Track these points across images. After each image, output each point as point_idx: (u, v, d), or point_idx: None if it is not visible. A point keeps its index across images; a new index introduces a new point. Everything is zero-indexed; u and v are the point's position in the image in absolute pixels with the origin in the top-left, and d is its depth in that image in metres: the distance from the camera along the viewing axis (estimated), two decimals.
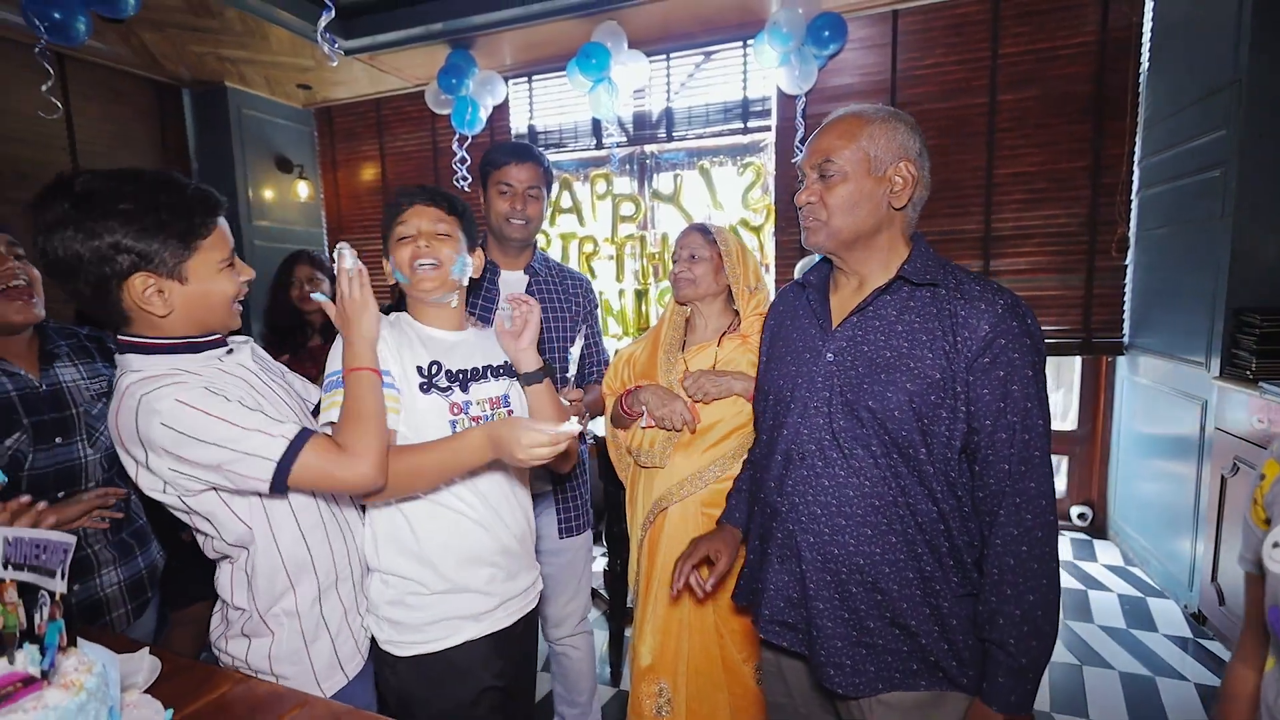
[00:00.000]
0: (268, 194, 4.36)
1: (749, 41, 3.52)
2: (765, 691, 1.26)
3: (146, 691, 0.82)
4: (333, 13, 2.11)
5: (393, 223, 1.16)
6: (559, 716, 1.87)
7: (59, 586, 0.62)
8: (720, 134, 3.81)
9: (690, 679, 1.48)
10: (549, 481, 1.69)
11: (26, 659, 0.65)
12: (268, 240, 4.33)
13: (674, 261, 1.56)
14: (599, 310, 1.80)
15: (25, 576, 0.65)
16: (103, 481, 1.36)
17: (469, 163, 3.88)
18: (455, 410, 1.13)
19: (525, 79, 4.12)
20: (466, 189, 3.98)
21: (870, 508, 0.98)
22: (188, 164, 4.20)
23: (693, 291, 1.53)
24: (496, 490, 1.17)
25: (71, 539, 0.63)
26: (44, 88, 2.55)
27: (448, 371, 1.14)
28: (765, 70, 3.48)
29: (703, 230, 1.56)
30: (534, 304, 1.21)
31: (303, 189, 4.55)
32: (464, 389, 1.15)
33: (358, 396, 1.00)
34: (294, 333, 2.30)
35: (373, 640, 1.13)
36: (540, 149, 4.10)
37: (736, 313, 1.56)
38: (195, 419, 0.87)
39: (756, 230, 3.71)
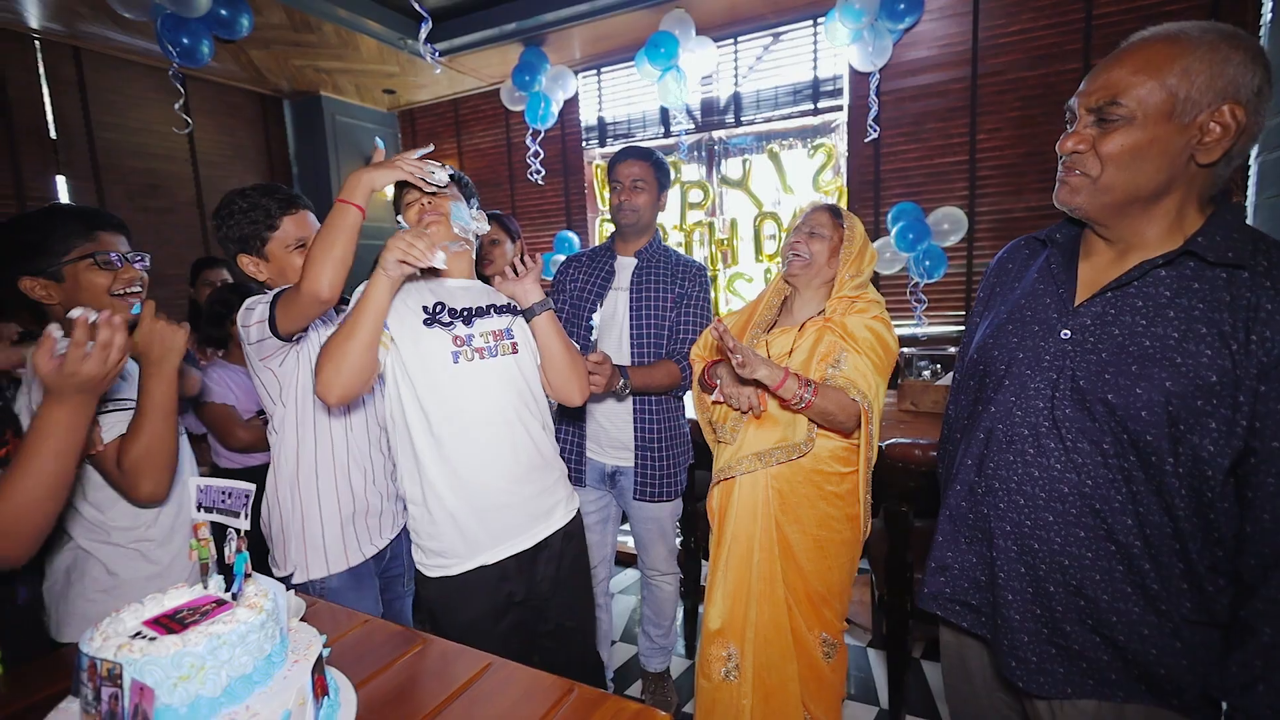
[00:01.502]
0: None
1: (819, 20, 3.45)
2: (944, 674, 1.20)
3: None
4: (430, 23, 2.24)
5: (402, 197, 1.34)
6: (645, 634, 2.05)
7: (243, 525, 0.75)
8: (789, 116, 3.76)
9: (758, 647, 1.50)
10: (631, 450, 1.83)
11: (217, 585, 0.79)
12: (363, 238, 4.63)
13: (793, 234, 1.55)
14: (707, 296, 1.87)
15: (214, 517, 0.78)
16: None
17: (542, 156, 4.01)
18: (458, 342, 1.23)
19: (594, 72, 4.21)
20: (540, 181, 4.12)
21: (1088, 509, 0.88)
22: (288, 169, 4.56)
23: (803, 270, 1.52)
24: (495, 438, 1.25)
25: (251, 486, 0.76)
26: (176, 106, 2.85)
27: (450, 309, 1.26)
28: (836, 49, 3.41)
29: (833, 210, 1.55)
30: (536, 261, 1.35)
31: (389, 188, 4.84)
32: (467, 324, 1.26)
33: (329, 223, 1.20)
34: None
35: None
36: (611, 140, 4.24)
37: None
38: None
39: None
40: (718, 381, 1.54)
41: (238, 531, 0.75)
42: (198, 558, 0.78)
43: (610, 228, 4.18)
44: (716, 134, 3.99)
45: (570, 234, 4.21)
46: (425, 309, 1.24)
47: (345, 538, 1.37)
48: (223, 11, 2.47)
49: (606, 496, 1.95)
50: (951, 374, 1.43)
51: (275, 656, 0.74)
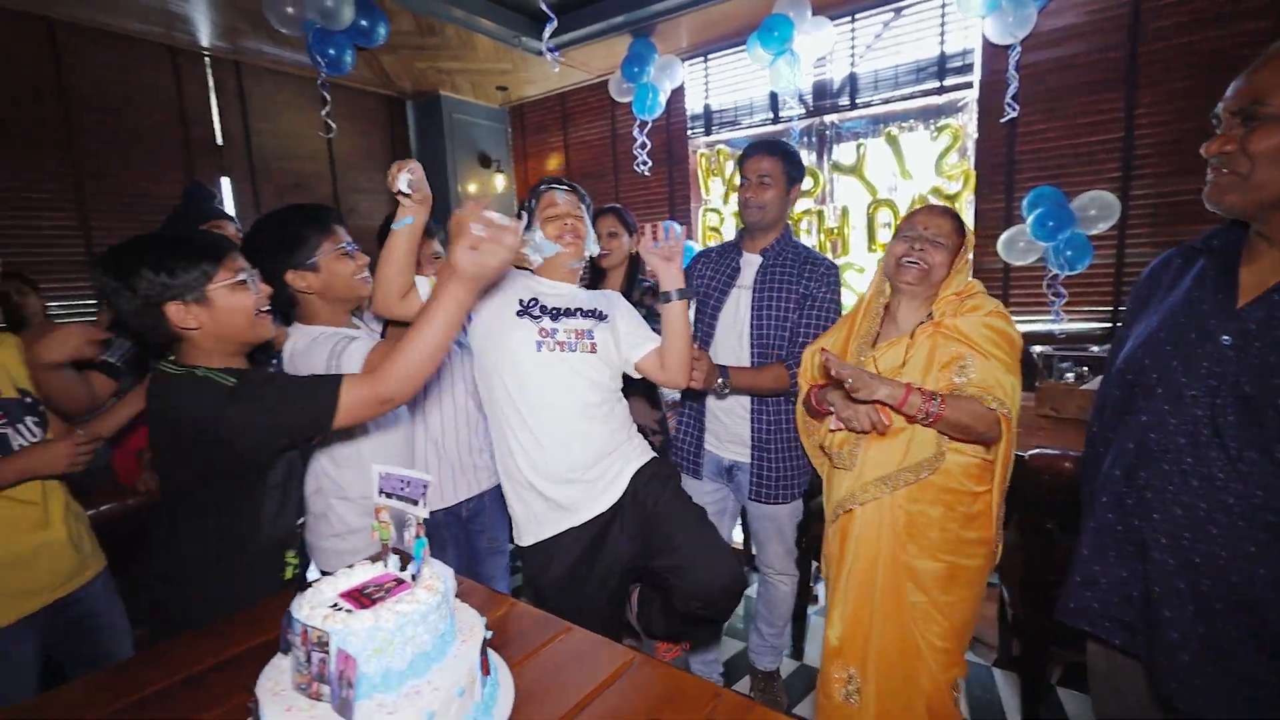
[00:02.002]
0: (472, 188, 4.91)
1: None
2: (1092, 693, 1.15)
3: None
4: (555, 23, 2.30)
5: (539, 202, 1.45)
6: (757, 631, 2.04)
7: (422, 513, 0.81)
8: (911, 96, 3.53)
9: (881, 673, 1.42)
10: (749, 447, 1.81)
11: (394, 564, 0.86)
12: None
13: (902, 239, 1.42)
14: (836, 297, 1.79)
15: (393, 503, 0.85)
16: None
17: (649, 147, 4.02)
18: (543, 333, 1.38)
19: (700, 59, 4.16)
20: (647, 172, 4.13)
21: (1261, 523, 0.84)
22: None
23: (921, 280, 1.39)
24: (567, 424, 1.39)
25: (429, 477, 0.82)
26: (324, 112, 3.11)
27: (542, 306, 1.41)
28: (968, 21, 3.15)
29: (954, 217, 1.43)
30: (681, 240, 1.42)
31: (499, 181, 5.06)
32: (554, 319, 1.40)
33: None
34: None
35: None
36: (717, 128, 4.18)
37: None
38: None
39: (952, 199, 3.40)
40: (830, 408, 1.43)
41: (416, 518, 0.81)
42: (379, 538, 0.85)
43: (713, 218, 4.18)
44: (828, 118, 3.83)
45: (677, 224, 4.20)
46: (520, 301, 1.39)
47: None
48: (363, 22, 2.66)
49: (724, 490, 1.94)
50: (1100, 379, 1.32)
51: (448, 635, 0.79)
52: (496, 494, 1.73)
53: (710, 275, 1.90)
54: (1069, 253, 2.86)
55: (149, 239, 1.09)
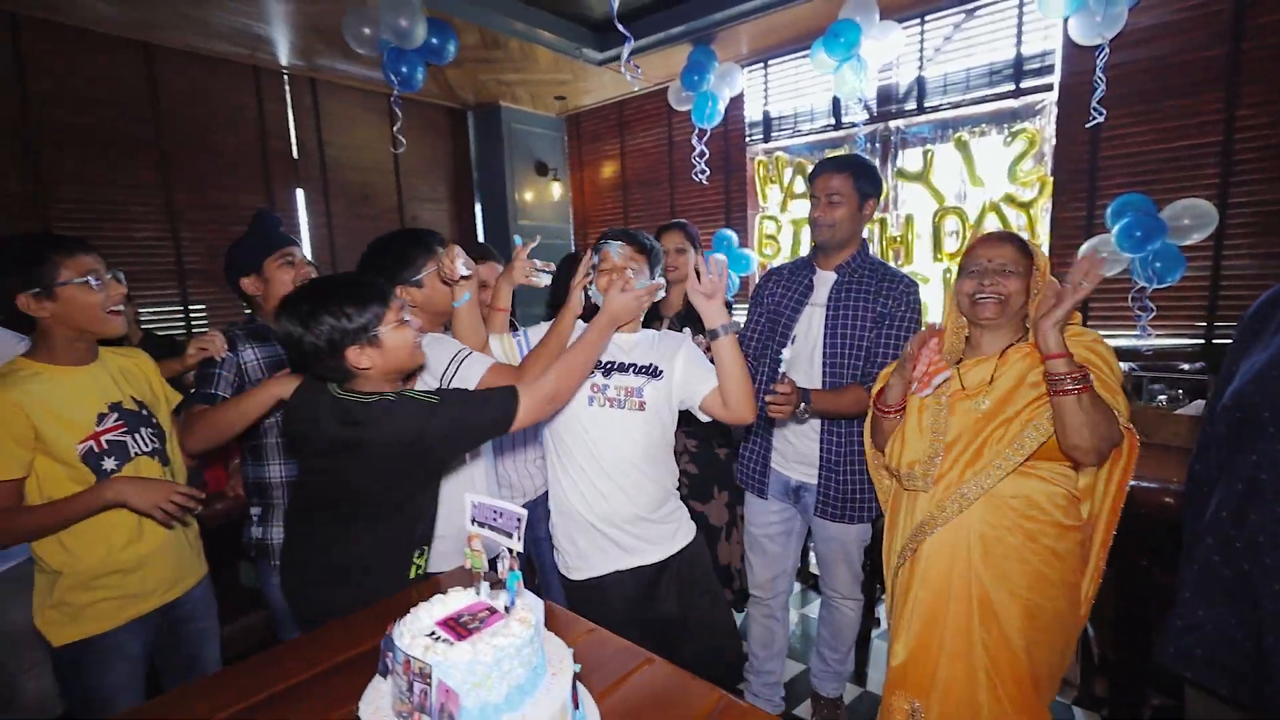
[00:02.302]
0: (529, 196, 5.00)
1: None
2: None
3: None
4: (633, 42, 2.31)
5: (599, 256, 1.51)
6: (819, 655, 2.00)
7: (516, 545, 0.82)
8: (983, 100, 3.39)
9: (947, 710, 1.34)
10: (816, 467, 1.78)
11: (485, 592, 0.87)
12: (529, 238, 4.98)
13: (968, 275, 1.35)
14: (915, 315, 1.73)
15: (485, 533, 0.86)
16: None
17: (707, 155, 3.99)
18: (594, 389, 1.46)
19: (760, 65, 4.11)
20: (705, 181, 4.11)
21: None
22: (469, 176, 4.99)
23: (999, 314, 1.32)
24: (611, 470, 1.45)
25: (523, 511, 0.83)
26: (395, 129, 3.22)
27: (608, 363, 1.48)
28: (1048, 21, 3.00)
29: (1017, 241, 1.36)
30: (724, 275, 1.41)
31: (556, 189, 5.12)
32: (605, 375, 1.47)
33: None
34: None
35: None
36: (775, 135, 4.12)
37: (1028, 330, 1.35)
38: None
39: (1025, 207, 3.25)
40: (898, 399, 1.40)
41: (510, 551, 0.82)
42: (471, 566, 0.87)
43: (770, 225, 4.11)
44: (893, 123, 3.72)
45: (729, 232, 4.17)
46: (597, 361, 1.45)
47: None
48: (434, 40, 2.74)
49: (790, 510, 1.91)
50: (1199, 404, 1.23)
51: (539, 668, 0.79)
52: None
53: (781, 294, 1.87)
54: (1158, 264, 2.68)
55: (323, 286, 1.17)
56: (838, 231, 1.75)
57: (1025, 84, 3.24)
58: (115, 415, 1.33)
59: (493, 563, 0.85)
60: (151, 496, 1.25)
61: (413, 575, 1.27)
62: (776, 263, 4.25)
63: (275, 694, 0.94)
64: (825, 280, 1.80)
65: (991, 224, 3.37)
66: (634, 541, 1.46)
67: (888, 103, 3.71)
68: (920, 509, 1.37)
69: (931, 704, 1.36)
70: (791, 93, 4.08)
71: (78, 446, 1.26)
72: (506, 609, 0.81)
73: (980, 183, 3.42)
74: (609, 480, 1.45)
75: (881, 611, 2.59)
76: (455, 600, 0.85)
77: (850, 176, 1.73)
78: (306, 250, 4.06)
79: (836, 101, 3.85)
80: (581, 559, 1.47)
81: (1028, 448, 1.25)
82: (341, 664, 1.00)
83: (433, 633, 0.79)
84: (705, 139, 3.95)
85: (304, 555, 1.25)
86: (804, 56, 3.61)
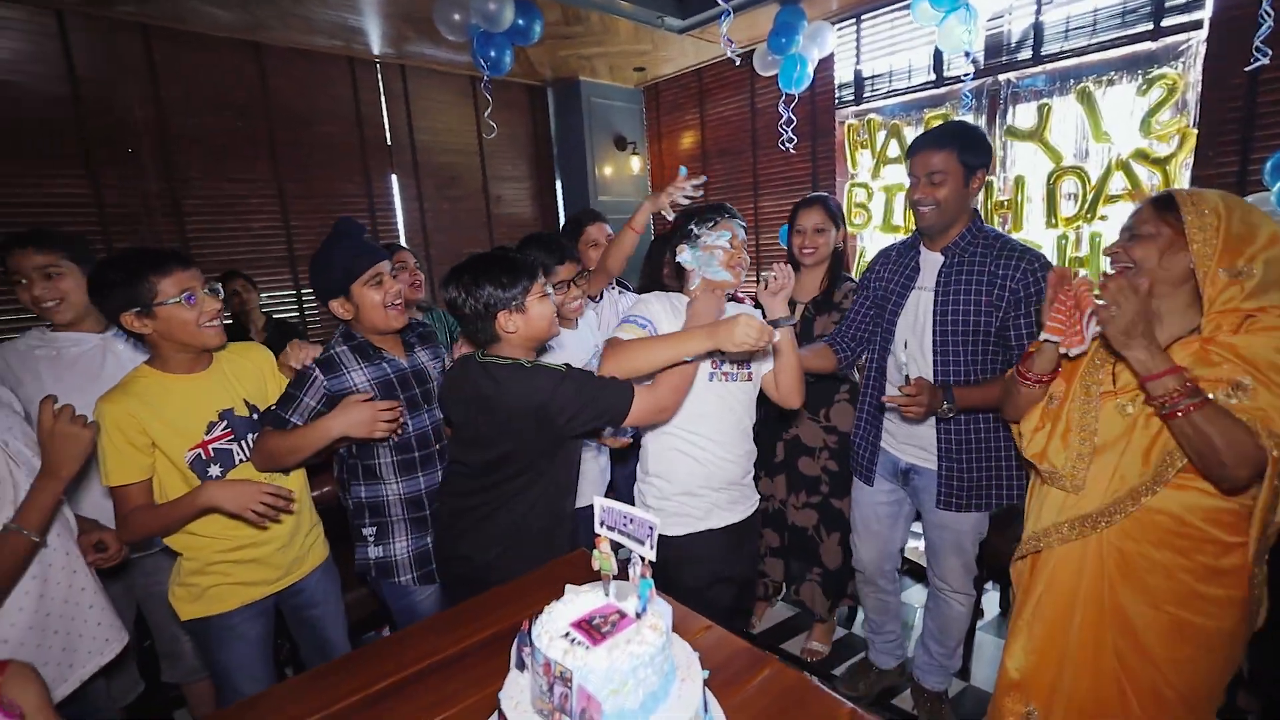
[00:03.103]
0: (608, 170, 4.98)
1: None
2: None
3: None
4: (732, 16, 2.23)
5: (716, 226, 1.49)
6: (924, 647, 1.94)
7: (649, 554, 0.83)
8: (1114, 44, 3.03)
9: (1071, 717, 1.27)
10: (928, 450, 1.72)
11: (615, 594, 0.89)
12: (609, 213, 4.94)
13: (1108, 255, 1.24)
14: (1044, 292, 1.55)
15: (615, 536, 0.88)
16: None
17: (795, 123, 3.82)
18: (714, 364, 1.52)
19: (852, 21, 3.85)
20: (792, 150, 3.94)
21: None
22: (550, 153, 5.02)
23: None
24: (719, 437, 1.53)
25: (656, 520, 0.84)
26: (486, 113, 3.28)
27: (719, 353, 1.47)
28: None
29: (1157, 203, 1.18)
30: (788, 273, 1.52)
31: (635, 163, 5.07)
32: (721, 359, 1.52)
33: None
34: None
35: None
36: (868, 96, 3.87)
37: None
38: None
39: (1161, 164, 2.90)
40: (1046, 368, 1.28)
41: (643, 558, 0.83)
42: (599, 568, 0.89)
43: (860, 193, 3.90)
44: (1004, 76, 3.40)
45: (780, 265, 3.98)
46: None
47: None
48: (520, 21, 2.74)
49: (899, 493, 1.85)
50: None
51: (670, 675, 0.81)
52: None
53: (888, 276, 1.78)
54: None
55: (485, 260, 1.37)
56: (943, 214, 1.61)
57: (1167, 22, 2.86)
58: (224, 424, 1.41)
59: (622, 566, 0.87)
60: (241, 499, 1.30)
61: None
62: (866, 233, 4.05)
63: (389, 686, 1.01)
64: (932, 262, 1.69)
65: (1118, 184, 3.04)
66: (728, 502, 1.57)
67: (997, 54, 3.39)
68: (1055, 508, 1.27)
69: (1053, 710, 1.29)
70: (887, 48, 3.80)
71: (187, 454, 1.36)
72: (638, 615, 0.83)
73: (1106, 138, 3.08)
74: (720, 448, 1.53)
75: (988, 602, 2.48)
76: (585, 601, 0.88)
77: (953, 150, 1.57)
78: (400, 234, 4.25)
79: (938, 55, 3.56)
80: (676, 516, 1.54)
81: (1177, 463, 1.12)
82: (473, 647, 1.06)
83: (567, 633, 0.82)
84: (792, 104, 3.77)
85: (454, 519, 1.44)
86: (903, 7, 3.34)
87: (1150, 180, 2.97)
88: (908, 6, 3.14)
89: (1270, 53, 2.39)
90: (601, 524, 0.89)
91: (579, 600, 0.88)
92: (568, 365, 1.37)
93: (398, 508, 1.57)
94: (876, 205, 3.93)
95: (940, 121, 3.59)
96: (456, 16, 2.70)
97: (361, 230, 1.59)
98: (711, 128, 4.75)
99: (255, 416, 1.48)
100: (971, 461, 1.65)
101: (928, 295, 1.67)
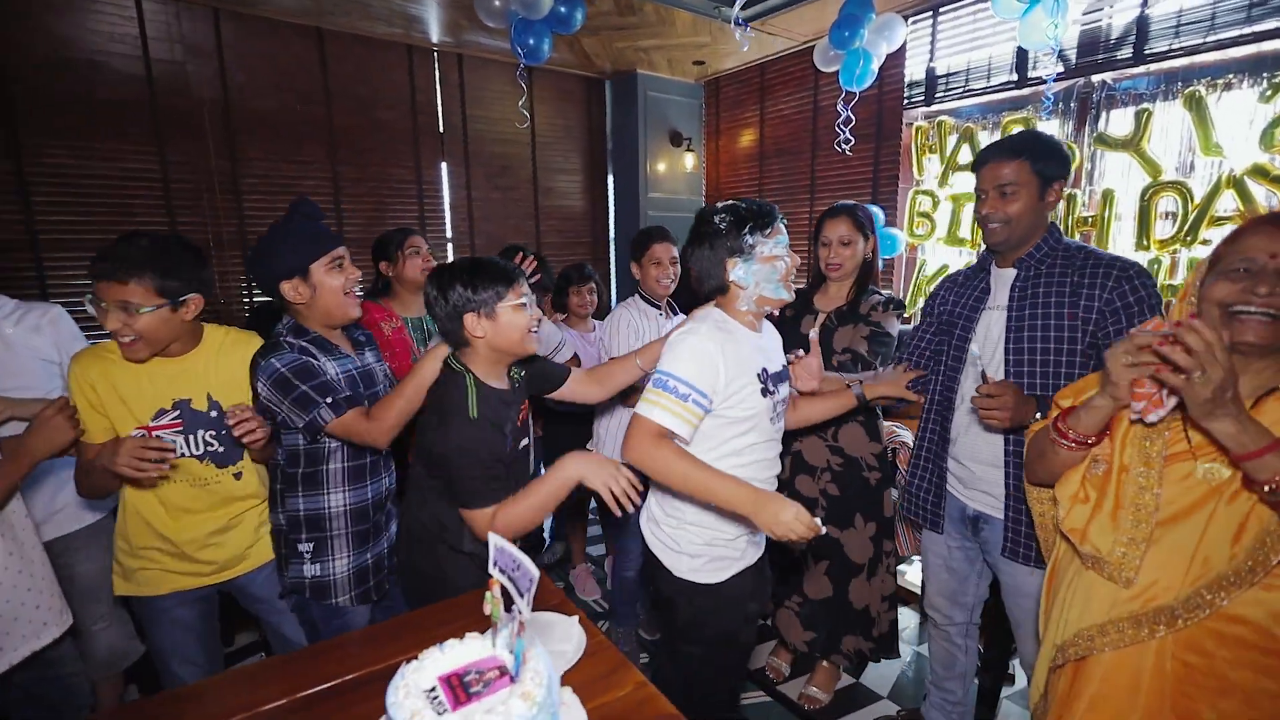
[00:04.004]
0: (661, 167, 4.85)
1: None
2: None
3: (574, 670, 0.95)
4: None
5: (769, 232, 1.29)
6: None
7: (525, 610, 0.72)
8: (1234, 42, 2.62)
9: None
10: (1000, 498, 1.53)
11: (502, 646, 0.78)
12: (658, 210, 4.85)
13: (1228, 276, 0.94)
14: (1154, 301, 1.34)
15: (505, 581, 0.77)
16: None
17: (853, 123, 3.56)
18: (775, 408, 1.37)
19: (929, 14, 3.54)
20: (849, 152, 3.69)
21: None
22: (604, 145, 4.94)
23: (1273, 338, 0.91)
24: (761, 475, 1.37)
25: (537, 572, 0.73)
26: (520, 102, 3.23)
27: (770, 375, 1.34)
28: None
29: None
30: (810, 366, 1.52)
31: (689, 160, 4.92)
32: (777, 390, 1.36)
33: None
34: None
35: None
36: (940, 97, 3.56)
37: None
38: None
39: None
40: (1090, 430, 1.02)
41: (519, 615, 0.72)
42: (490, 613, 0.79)
43: (924, 201, 3.59)
44: (1097, 77, 3.02)
45: (875, 208, 3.71)
46: (759, 376, 1.31)
47: None
48: (561, 9, 2.66)
49: (973, 545, 1.65)
50: None
51: None
52: None
53: (955, 300, 1.61)
54: None
55: (466, 261, 1.33)
56: (1014, 229, 1.44)
57: None
58: (175, 413, 1.39)
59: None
60: (119, 458, 1.21)
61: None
62: (929, 244, 3.74)
63: (310, 695, 0.94)
64: (1004, 278, 1.51)
65: (1227, 204, 2.64)
66: (757, 536, 1.43)
67: (1092, 51, 3.02)
68: (1098, 604, 1.02)
69: None
70: (966, 44, 3.48)
71: (132, 431, 1.36)
72: (512, 679, 0.72)
73: (1217, 151, 2.68)
74: (770, 480, 1.42)
75: (1017, 666, 2.20)
76: (468, 650, 0.78)
77: (1026, 160, 1.40)
78: (447, 224, 4.28)
79: (1021, 52, 3.22)
80: (719, 561, 1.36)
81: (1253, 541, 0.89)
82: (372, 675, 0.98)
83: (431, 689, 0.72)
84: (854, 103, 3.52)
85: (412, 525, 1.39)
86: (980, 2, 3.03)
87: (1269, 201, 2.56)
88: None
89: None
90: (494, 564, 0.78)
91: (462, 649, 0.78)
92: (486, 411, 1.28)
93: (340, 520, 1.48)
94: (941, 214, 3.62)
95: (1020, 127, 3.25)
96: (496, 3, 2.65)
97: (321, 213, 1.51)
98: (771, 125, 4.53)
99: (214, 414, 1.44)
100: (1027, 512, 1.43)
101: (1000, 315, 1.49)
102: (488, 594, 0.79)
